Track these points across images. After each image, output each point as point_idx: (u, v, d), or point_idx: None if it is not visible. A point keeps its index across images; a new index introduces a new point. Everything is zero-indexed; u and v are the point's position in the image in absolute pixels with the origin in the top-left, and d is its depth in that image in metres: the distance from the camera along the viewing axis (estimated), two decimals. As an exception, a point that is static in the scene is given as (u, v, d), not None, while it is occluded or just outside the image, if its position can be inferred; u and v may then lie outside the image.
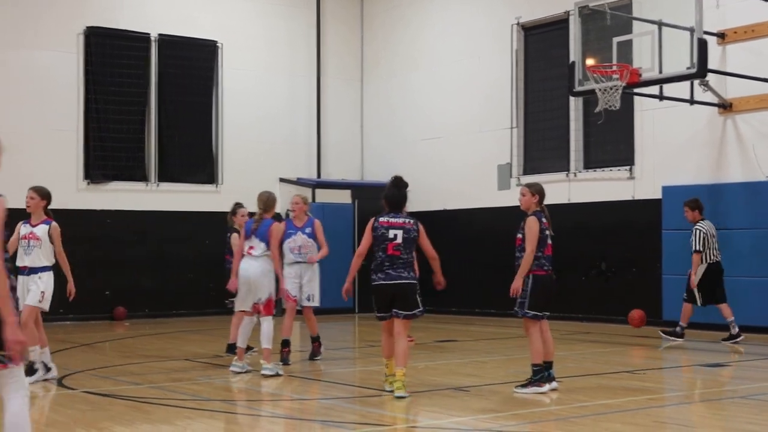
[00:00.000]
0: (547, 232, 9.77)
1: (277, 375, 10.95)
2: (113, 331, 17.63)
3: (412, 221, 9.51)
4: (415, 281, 9.45)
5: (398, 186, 9.70)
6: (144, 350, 14.29)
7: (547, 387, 9.57)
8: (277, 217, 11.98)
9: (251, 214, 11.87)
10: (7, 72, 19.19)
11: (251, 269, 11.19)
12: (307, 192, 21.82)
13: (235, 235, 12.76)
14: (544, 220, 9.77)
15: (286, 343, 12.12)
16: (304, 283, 12.42)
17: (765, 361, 12.80)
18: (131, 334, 16.91)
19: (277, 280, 11.54)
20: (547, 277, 9.71)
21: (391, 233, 9.39)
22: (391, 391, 9.33)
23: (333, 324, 17.52)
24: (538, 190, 9.93)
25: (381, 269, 9.39)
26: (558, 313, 16.17)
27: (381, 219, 9.53)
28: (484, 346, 14.58)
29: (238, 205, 13.30)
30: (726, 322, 14.37)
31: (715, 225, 14.68)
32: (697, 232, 14.31)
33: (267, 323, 11.09)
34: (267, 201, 11.39)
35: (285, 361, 11.86)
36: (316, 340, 12.76)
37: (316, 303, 12.57)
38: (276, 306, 11.52)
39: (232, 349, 12.27)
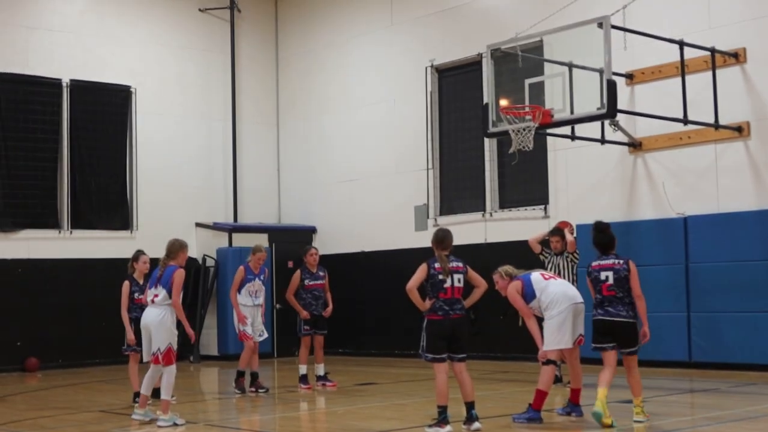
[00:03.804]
0: (440, 277, 9.74)
1: (175, 425, 10.61)
2: (25, 383, 17.18)
3: (621, 261, 10.13)
4: (632, 320, 10.01)
5: (599, 229, 10.43)
6: (56, 402, 13.95)
7: (447, 428, 9.45)
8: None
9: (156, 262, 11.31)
10: None
11: (148, 317, 10.88)
12: (223, 236, 21.62)
13: (126, 282, 12.65)
14: (436, 265, 9.79)
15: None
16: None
17: (678, 396, 12.98)
18: (44, 386, 16.50)
19: (181, 326, 11.02)
20: (438, 322, 9.70)
21: (603, 275, 10.08)
22: (640, 422, 10.00)
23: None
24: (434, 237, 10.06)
25: (601, 306, 10.06)
26: (476, 353, 16.29)
27: (593, 263, 10.25)
28: (404, 388, 14.53)
29: (139, 252, 13.13)
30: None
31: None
32: None
33: (167, 374, 10.73)
34: (170, 247, 11.10)
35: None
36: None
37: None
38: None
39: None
